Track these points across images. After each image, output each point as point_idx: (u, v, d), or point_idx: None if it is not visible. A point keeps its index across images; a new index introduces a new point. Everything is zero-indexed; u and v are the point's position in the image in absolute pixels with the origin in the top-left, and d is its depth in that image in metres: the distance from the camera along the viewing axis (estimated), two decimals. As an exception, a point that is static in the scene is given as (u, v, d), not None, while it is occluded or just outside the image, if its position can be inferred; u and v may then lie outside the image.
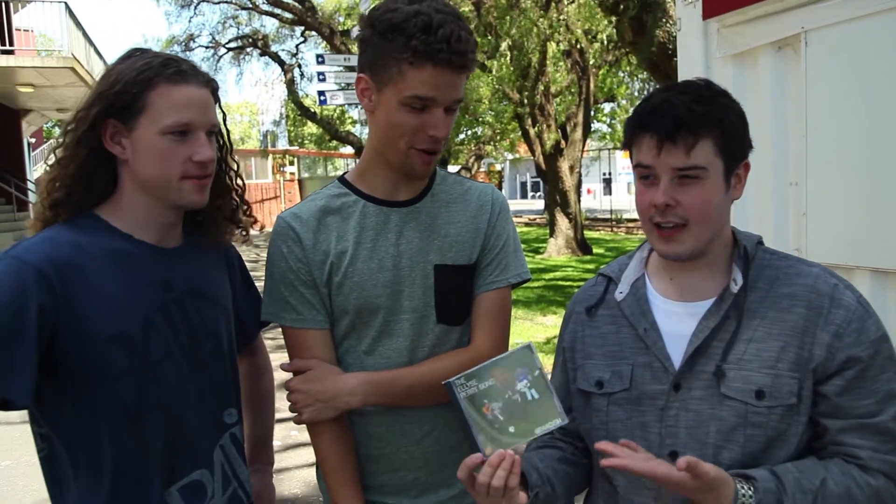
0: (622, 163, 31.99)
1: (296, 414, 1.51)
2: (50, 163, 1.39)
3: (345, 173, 1.61)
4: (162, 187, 1.35)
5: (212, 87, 1.40)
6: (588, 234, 18.48)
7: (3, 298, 1.20)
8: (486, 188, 1.63)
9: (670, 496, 1.26)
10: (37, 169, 29.76)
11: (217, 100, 1.44)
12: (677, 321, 1.32)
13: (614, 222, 25.70)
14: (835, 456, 1.23)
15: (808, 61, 2.60)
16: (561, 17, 12.15)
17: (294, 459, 4.73)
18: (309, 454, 4.64)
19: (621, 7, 8.97)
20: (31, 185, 21.19)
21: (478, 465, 1.21)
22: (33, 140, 27.86)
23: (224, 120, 1.50)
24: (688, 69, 3.28)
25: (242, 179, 1.58)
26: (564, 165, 15.86)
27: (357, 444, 1.55)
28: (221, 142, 1.51)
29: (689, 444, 1.26)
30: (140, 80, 1.30)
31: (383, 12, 1.38)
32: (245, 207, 1.59)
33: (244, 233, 1.59)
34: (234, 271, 1.62)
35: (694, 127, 1.22)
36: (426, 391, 1.48)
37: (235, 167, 1.56)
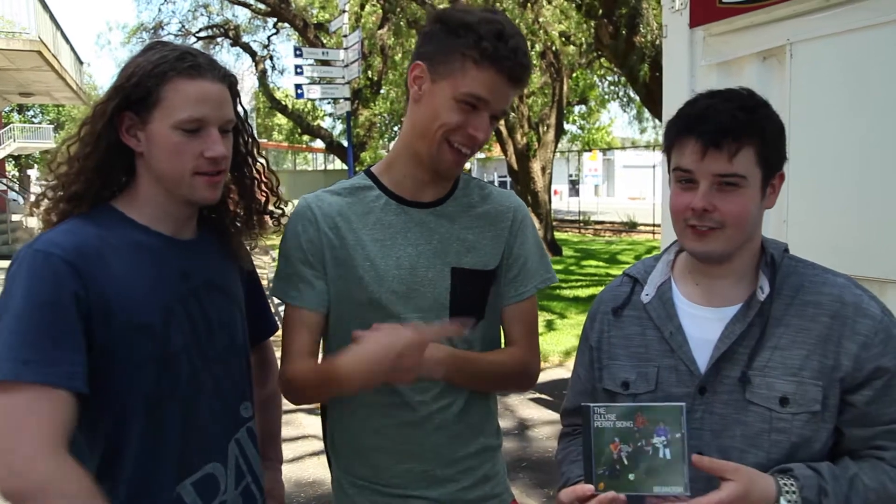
0: (589, 164, 32.27)
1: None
2: (62, 155, 1.37)
3: (371, 165, 1.62)
4: (174, 181, 1.34)
5: (229, 81, 1.38)
6: (556, 234, 18.63)
7: (45, 295, 1.19)
8: (508, 195, 1.65)
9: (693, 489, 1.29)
10: (-5, 154, 28.94)
11: (236, 94, 1.42)
12: (703, 326, 1.34)
13: (582, 224, 25.93)
14: (860, 458, 1.26)
15: (793, 72, 2.67)
16: (540, 20, 12.23)
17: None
18: (289, 450, 4.62)
19: (600, 12, 9.08)
20: (-10, 171, 20.65)
21: (587, 496, 1.20)
22: (-7, 124, 27.13)
23: (246, 115, 1.49)
24: (673, 76, 3.34)
25: (272, 174, 1.57)
26: (536, 166, 15.96)
27: (367, 437, 1.57)
28: (244, 138, 1.49)
29: (714, 446, 1.29)
30: (155, 74, 1.30)
31: (457, 11, 1.43)
32: (275, 200, 1.58)
33: (264, 228, 1.57)
34: (243, 270, 1.60)
35: (738, 134, 1.23)
36: (487, 379, 1.58)
37: (263, 163, 1.55)
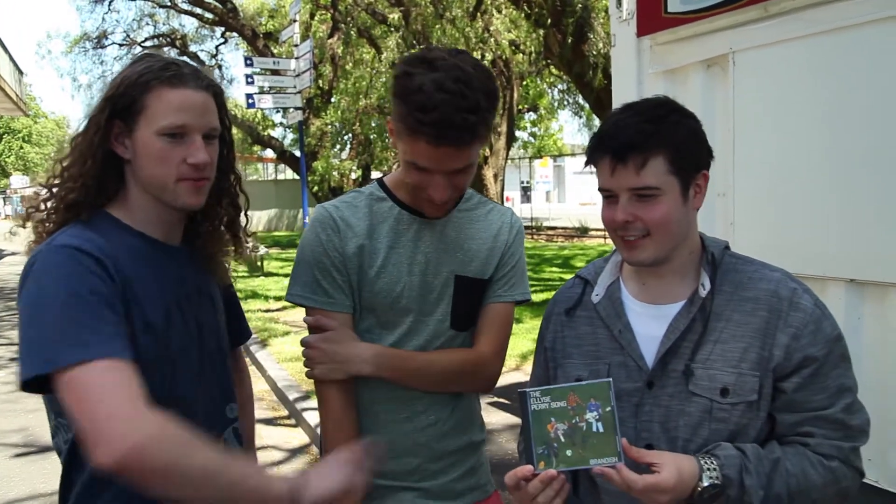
0: (540, 171, 32.61)
1: (308, 369, 1.61)
2: (56, 168, 1.39)
3: (384, 175, 1.70)
4: (159, 187, 1.37)
5: (214, 91, 1.42)
6: (510, 241, 18.71)
7: (85, 283, 1.22)
8: (507, 212, 1.75)
9: None
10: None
11: (222, 105, 1.45)
12: (649, 323, 1.41)
13: (535, 230, 26.17)
14: (786, 444, 1.34)
15: (736, 79, 2.78)
16: (490, 29, 12.37)
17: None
18: (263, 456, 4.55)
19: (549, 21, 9.23)
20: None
21: (528, 476, 1.26)
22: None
23: (230, 124, 1.51)
24: (621, 84, 3.44)
25: (243, 191, 1.58)
26: (489, 174, 16.11)
27: (367, 432, 1.63)
28: (226, 150, 1.51)
29: (662, 438, 1.35)
30: (140, 83, 1.33)
31: (403, 74, 1.42)
32: (242, 218, 1.59)
33: (239, 247, 1.59)
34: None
35: (643, 148, 1.29)
36: (428, 376, 1.62)
37: (237, 175, 1.57)
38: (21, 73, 21.49)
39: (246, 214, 1.60)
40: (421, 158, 1.43)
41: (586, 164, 1.41)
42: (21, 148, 54.24)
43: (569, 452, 1.26)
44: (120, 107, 1.34)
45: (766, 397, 1.32)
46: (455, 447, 1.68)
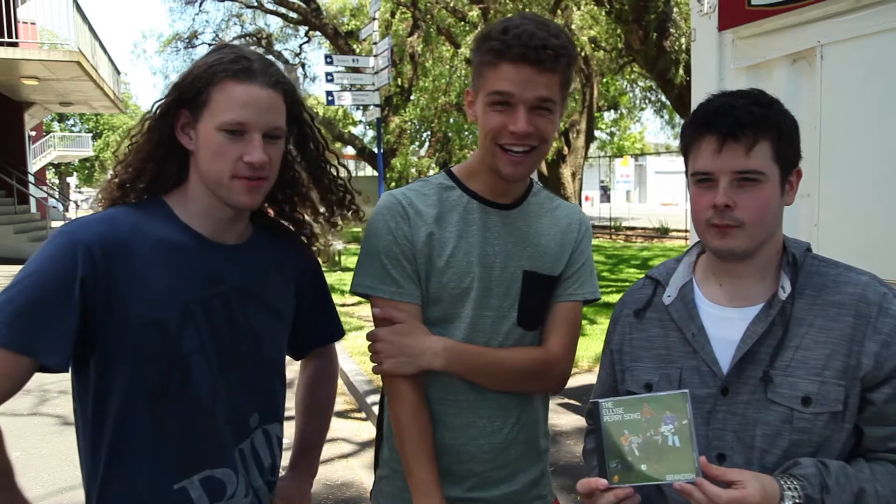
0: (621, 170, 32.01)
1: (375, 364, 1.57)
2: (123, 147, 1.44)
3: (451, 166, 1.67)
4: (214, 182, 1.36)
5: (283, 89, 1.38)
6: (587, 240, 18.46)
7: (56, 273, 1.25)
8: (574, 209, 1.70)
9: None
10: (36, 162, 29.62)
11: (295, 102, 1.43)
12: (725, 326, 1.34)
13: (613, 230, 25.73)
14: (876, 461, 1.25)
15: (824, 75, 2.64)
16: (571, 25, 12.22)
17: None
18: (334, 448, 4.62)
19: (630, 17, 9.04)
20: (31, 178, 21.17)
21: (601, 488, 1.22)
22: (33, 133, 27.81)
23: (312, 120, 1.51)
24: (701, 80, 3.32)
25: (340, 178, 1.60)
26: (567, 172, 15.93)
27: (436, 435, 1.57)
28: (312, 144, 1.52)
29: (736, 447, 1.29)
30: (207, 75, 1.33)
31: (482, 34, 1.48)
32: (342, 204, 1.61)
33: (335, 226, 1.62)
34: (304, 277, 1.61)
35: (755, 127, 1.24)
36: (498, 374, 1.55)
37: (331, 169, 1.58)
38: (119, 72, 22.55)
39: (354, 205, 1.62)
40: (503, 83, 1.40)
41: (683, 149, 1.36)
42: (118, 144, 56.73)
43: (643, 467, 1.21)
44: (187, 96, 1.34)
45: (853, 408, 1.24)
46: (518, 455, 1.62)
